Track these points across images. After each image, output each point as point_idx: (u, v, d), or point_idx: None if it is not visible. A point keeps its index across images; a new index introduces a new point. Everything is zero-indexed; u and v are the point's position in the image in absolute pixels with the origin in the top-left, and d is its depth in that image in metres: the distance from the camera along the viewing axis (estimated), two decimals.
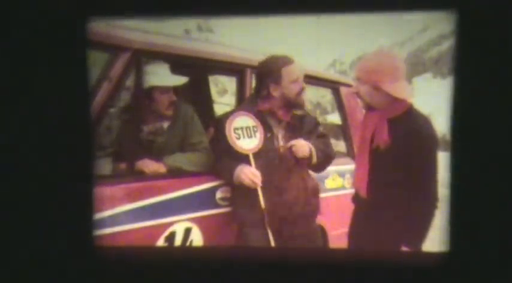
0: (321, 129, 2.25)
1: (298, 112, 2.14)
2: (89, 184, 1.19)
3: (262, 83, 2.10)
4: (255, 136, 2.05)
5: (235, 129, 2.04)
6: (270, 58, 2.12)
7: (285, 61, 2.08)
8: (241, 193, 2.03)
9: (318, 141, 2.17)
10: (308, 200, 2.11)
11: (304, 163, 2.10)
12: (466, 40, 1.08)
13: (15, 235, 1.19)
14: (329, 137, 2.30)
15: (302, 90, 2.10)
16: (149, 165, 1.93)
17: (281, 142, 2.08)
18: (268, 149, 2.06)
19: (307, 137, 2.13)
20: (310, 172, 2.18)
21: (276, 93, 2.07)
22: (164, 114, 2.09)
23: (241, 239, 2.06)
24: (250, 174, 1.99)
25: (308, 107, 2.36)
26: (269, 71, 2.08)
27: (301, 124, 2.15)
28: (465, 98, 1.10)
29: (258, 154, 2.04)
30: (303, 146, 2.07)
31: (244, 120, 2.07)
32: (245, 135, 2.04)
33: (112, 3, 1.16)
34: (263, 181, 1.99)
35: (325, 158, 2.18)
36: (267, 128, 2.08)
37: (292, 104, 2.09)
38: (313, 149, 2.09)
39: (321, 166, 2.20)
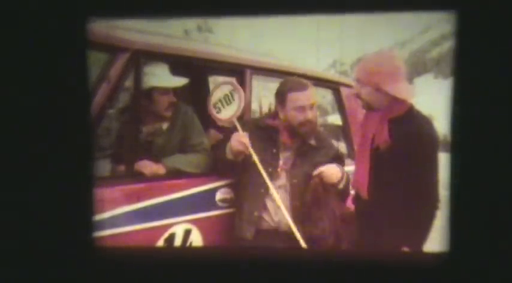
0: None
1: (312, 142, 2.06)
2: (89, 186, 1.19)
3: (275, 100, 2.08)
4: (233, 100, 2.02)
5: (214, 104, 2.04)
6: (287, 79, 2.09)
7: (295, 86, 2.01)
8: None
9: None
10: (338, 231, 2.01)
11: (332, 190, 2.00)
12: (466, 41, 1.08)
13: (15, 235, 1.19)
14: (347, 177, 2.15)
15: (306, 121, 2.01)
16: (148, 167, 1.93)
17: (281, 163, 2.04)
18: (269, 165, 2.02)
19: (313, 169, 2.02)
20: None
21: (281, 115, 2.05)
22: (163, 115, 2.08)
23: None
24: (238, 136, 1.97)
25: None
26: (277, 92, 2.06)
27: (309, 153, 2.06)
28: (465, 99, 1.09)
29: (264, 161, 1.99)
30: (333, 169, 1.98)
31: (220, 90, 2.06)
32: (224, 104, 2.02)
33: (112, 4, 1.16)
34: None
35: (347, 184, 2.05)
36: (273, 144, 2.05)
37: (294, 131, 2.04)
38: (344, 173, 2.00)
39: (344, 187, 2.06)
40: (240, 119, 2.04)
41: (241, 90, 2.03)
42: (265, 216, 2.01)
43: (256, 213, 2.00)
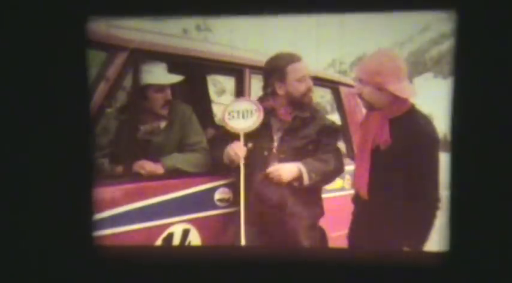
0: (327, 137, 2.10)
1: (304, 114, 2.06)
2: (88, 185, 1.18)
3: (268, 80, 2.07)
4: (250, 117, 2.02)
5: (231, 111, 2.03)
6: (277, 55, 2.08)
7: (292, 59, 2.04)
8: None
9: (316, 157, 2.03)
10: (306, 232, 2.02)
11: (295, 185, 1.98)
12: (465, 40, 1.08)
13: (15, 236, 1.19)
14: (335, 150, 2.13)
15: (309, 89, 2.05)
16: (146, 167, 1.92)
17: (275, 144, 2.04)
18: (264, 148, 2.03)
19: (301, 143, 2.03)
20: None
21: (281, 91, 2.04)
22: (159, 113, 2.07)
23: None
24: (235, 147, 1.97)
25: None
26: (274, 68, 2.05)
27: (300, 127, 2.06)
28: (465, 98, 1.09)
29: (250, 138, 2.01)
30: (284, 170, 1.96)
31: (243, 104, 2.05)
32: (240, 116, 2.02)
33: (111, 3, 1.15)
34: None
35: (323, 176, 2.03)
36: (266, 127, 2.05)
37: (297, 103, 2.05)
38: (303, 169, 1.96)
39: (320, 184, 2.08)
40: (247, 134, 2.03)
41: (262, 114, 2.03)
42: None
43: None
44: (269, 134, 2.06)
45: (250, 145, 2.02)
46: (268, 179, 1.96)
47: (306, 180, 1.96)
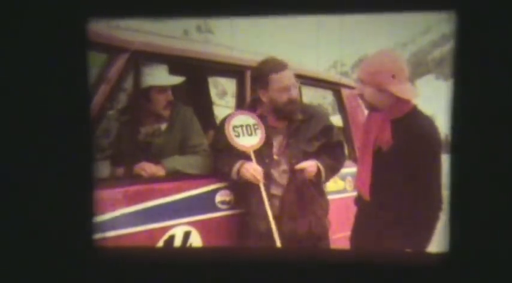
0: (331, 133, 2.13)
1: (299, 117, 2.05)
2: (89, 187, 1.18)
3: (253, 86, 2.07)
4: (255, 134, 2.02)
5: (235, 127, 2.02)
6: (262, 62, 2.05)
7: (275, 67, 2.00)
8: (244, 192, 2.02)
9: (325, 155, 2.07)
10: (319, 222, 2.05)
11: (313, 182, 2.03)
12: (466, 41, 1.08)
13: (15, 237, 1.19)
14: (341, 144, 2.20)
15: (292, 100, 2.01)
16: (147, 169, 1.92)
17: (275, 149, 2.04)
18: (264, 155, 2.02)
19: (308, 145, 2.05)
20: None
21: (264, 98, 2.02)
22: (161, 114, 2.07)
23: (243, 226, 2.04)
24: (251, 169, 1.96)
25: None
26: (258, 76, 2.04)
27: (299, 132, 2.05)
28: (465, 99, 1.09)
29: (258, 154, 2.00)
30: (311, 167, 2.01)
31: (243, 119, 2.04)
32: (245, 133, 2.01)
33: (111, 4, 1.15)
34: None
35: (333, 172, 2.12)
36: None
37: (280, 111, 2.03)
38: (321, 168, 2.02)
39: (327, 180, 2.13)
40: (256, 152, 2.02)
41: (264, 129, 2.03)
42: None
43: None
44: (269, 142, 2.05)
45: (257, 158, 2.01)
46: (294, 177, 1.99)
47: (323, 177, 2.04)
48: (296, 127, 2.05)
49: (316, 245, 2.05)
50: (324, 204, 2.10)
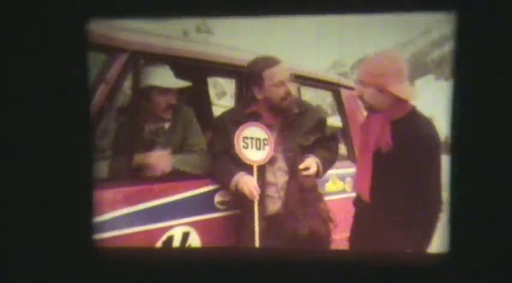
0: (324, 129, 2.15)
1: (295, 110, 2.05)
2: (89, 188, 1.18)
3: (247, 85, 2.06)
4: (263, 149, 2.00)
5: (245, 137, 2.00)
6: (254, 59, 2.05)
7: (268, 63, 2.00)
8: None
9: (321, 148, 2.10)
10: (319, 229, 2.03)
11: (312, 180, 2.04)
12: (465, 41, 1.08)
13: (15, 237, 1.19)
14: (335, 137, 2.23)
15: (287, 94, 2.01)
16: (153, 157, 1.92)
17: (272, 146, 2.03)
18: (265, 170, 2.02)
19: (304, 138, 2.06)
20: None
21: (259, 96, 2.02)
22: (161, 116, 2.06)
23: (242, 227, 2.04)
24: (250, 184, 1.95)
25: None
26: (251, 73, 2.04)
27: (294, 125, 2.06)
28: (465, 100, 1.09)
29: (261, 170, 1.99)
30: (313, 167, 2.02)
31: (256, 131, 2.02)
32: (254, 146, 2.00)
33: (111, 4, 1.15)
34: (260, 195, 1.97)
35: (330, 164, 2.14)
36: None
37: (277, 108, 2.02)
38: (319, 163, 2.04)
39: (324, 172, 2.15)
40: (260, 168, 2.02)
41: (273, 144, 2.02)
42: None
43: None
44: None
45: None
46: (298, 176, 2.00)
47: (321, 172, 2.07)
48: (292, 120, 2.06)
49: (317, 246, 2.04)
50: (324, 206, 2.09)
